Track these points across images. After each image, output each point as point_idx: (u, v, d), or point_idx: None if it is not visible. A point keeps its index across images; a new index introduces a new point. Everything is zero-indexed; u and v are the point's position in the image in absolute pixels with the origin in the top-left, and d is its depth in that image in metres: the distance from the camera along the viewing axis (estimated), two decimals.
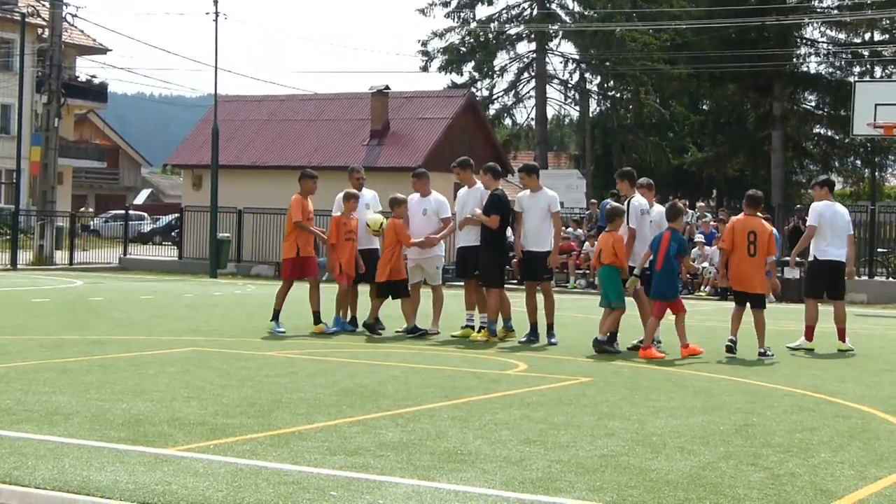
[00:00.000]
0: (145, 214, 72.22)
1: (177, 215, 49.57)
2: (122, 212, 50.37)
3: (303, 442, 8.37)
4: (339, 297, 17.67)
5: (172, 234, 57.90)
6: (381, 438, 8.56)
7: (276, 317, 17.29)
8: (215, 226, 39.95)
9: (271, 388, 11.19)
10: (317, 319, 17.32)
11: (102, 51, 73.23)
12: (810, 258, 16.98)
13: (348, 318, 17.83)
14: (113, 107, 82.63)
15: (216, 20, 41.58)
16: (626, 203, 15.94)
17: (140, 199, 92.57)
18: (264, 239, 41.70)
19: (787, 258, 29.70)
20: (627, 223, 15.71)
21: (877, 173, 67.13)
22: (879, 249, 34.34)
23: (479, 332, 16.72)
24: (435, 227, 17.41)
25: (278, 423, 9.18)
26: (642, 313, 15.85)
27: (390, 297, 17.34)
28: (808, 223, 16.73)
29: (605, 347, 15.21)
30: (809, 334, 16.29)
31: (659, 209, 16.28)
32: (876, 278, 33.31)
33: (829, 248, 16.41)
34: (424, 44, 62.76)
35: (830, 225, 16.42)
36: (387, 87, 45.04)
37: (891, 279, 32.36)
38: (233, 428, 8.86)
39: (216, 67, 42.52)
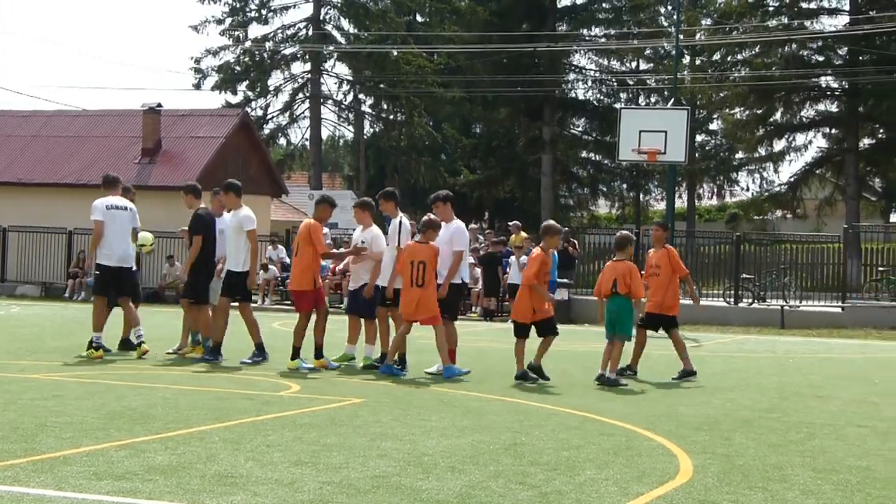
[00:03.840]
0: None
1: None
2: None
3: (68, 467, 8.16)
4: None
5: None
6: (149, 462, 8.42)
7: (297, 354, 15.84)
8: None
9: (36, 411, 10.88)
10: (318, 353, 15.94)
11: None
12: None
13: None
14: None
15: None
16: (397, 223, 15.99)
17: None
18: (31, 258, 40.57)
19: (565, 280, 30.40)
20: (398, 245, 15.77)
21: (641, 197, 69.49)
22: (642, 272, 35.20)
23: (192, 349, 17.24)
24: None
25: (42, 447, 8.93)
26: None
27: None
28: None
29: (619, 381, 15.05)
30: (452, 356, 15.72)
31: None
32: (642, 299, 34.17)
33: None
34: (198, 62, 62.12)
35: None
36: (159, 105, 44.37)
37: None
38: None
39: None
